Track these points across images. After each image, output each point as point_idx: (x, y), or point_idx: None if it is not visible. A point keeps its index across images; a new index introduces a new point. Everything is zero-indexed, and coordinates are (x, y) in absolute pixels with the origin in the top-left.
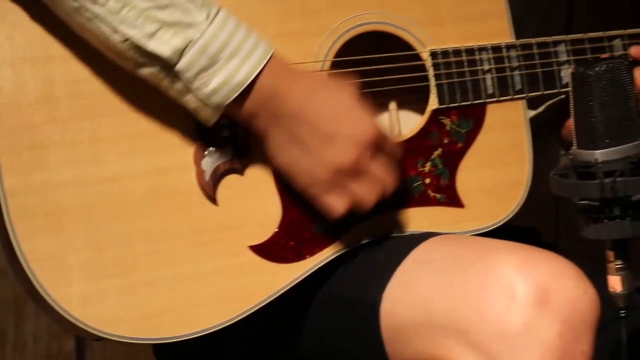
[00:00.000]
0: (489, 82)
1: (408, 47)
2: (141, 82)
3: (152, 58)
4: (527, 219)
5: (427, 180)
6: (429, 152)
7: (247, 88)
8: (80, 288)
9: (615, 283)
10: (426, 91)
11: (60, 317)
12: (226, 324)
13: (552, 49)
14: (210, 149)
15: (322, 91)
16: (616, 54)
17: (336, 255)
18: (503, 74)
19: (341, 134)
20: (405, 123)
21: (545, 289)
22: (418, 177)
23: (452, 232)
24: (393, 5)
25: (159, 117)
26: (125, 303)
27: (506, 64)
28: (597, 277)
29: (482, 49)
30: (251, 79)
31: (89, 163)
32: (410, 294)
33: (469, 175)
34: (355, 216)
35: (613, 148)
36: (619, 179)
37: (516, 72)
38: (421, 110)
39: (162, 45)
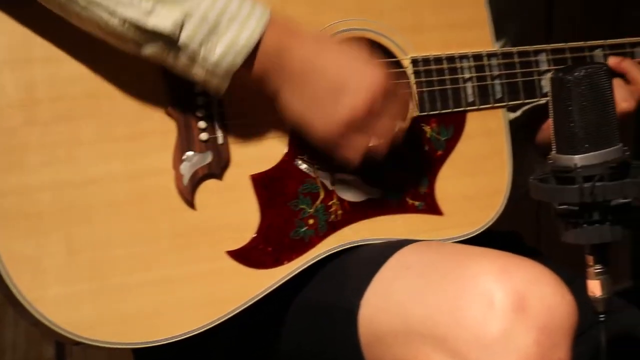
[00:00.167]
0: (469, 90)
1: (389, 54)
2: (121, 86)
3: (154, 35)
4: (508, 223)
5: (406, 188)
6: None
7: (253, 50)
8: (57, 291)
9: (594, 287)
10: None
11: (37, 321)
12: (204, 329)
13: (533, 58)
14: (189, 153)
15: (328, 45)
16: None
17: (314, 261)
18: (484, 83)
19: (351, 83)
20: None
21: (522, 296)
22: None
23: (431, 239)
24: (375, 12)
25: (138, 121)
26: (102, 307)
27: (487, 73)
28: (577, 282)
29: (463, 57)
30: (255, 39)
31: (68, 166)
32: (388, 301)
33: (448, 183)
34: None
35: (592, 153)
36: (598, 183)
37: (497, 81)
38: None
39: (162, 21)
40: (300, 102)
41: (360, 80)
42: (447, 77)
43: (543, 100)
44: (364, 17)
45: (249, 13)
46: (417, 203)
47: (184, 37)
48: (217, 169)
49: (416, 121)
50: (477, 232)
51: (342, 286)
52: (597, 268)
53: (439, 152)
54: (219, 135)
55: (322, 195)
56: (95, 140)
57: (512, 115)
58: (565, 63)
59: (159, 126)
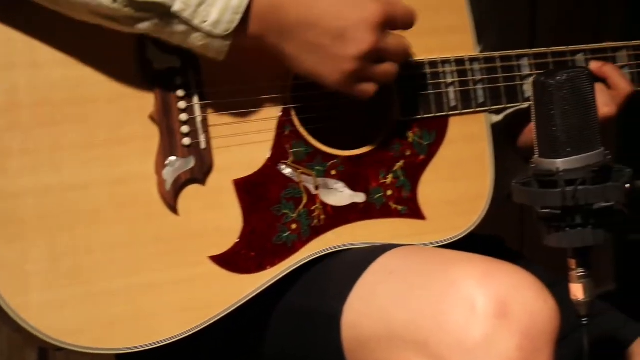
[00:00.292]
0: (451, 95)
1: None
2: (103, 91)
3: (148, 8)
4: (492, 227)
5: (389, 192)
6: (391, 164)
7: (248, 8)
8: (38, 297)
9: (577, 291)
10: (389, 103)
11: (19, 327)
12: (187, 334)
13: (515, 63)
14: (171, 158)
15: None
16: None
17: (297, 266)
18: (466, 87)
19: (351, 24)
20: (368, 135)
21: (505, 302)
22: (380, 188)
23: (414, 244)
24: None
25: (120, 126)
26: (84, 312)
27: (469, 77)
28: (560, 285)
29: (445, 62)
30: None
31: (49, 171)
32: (371, 306)
33: (431, 187)
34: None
35: (574, 157)
36: (580, 187)
37: (479, 86)
38: (384, 122)
39: None
40: (305, 53)
41: (358, 18)
42: (429, 82)
43: (525, 105)
44: None
45: None
46: (400, 208)
47: (177, 5)
48: (200, 174)
49: (399, 126)
50: (460, 237)
51: (325, 291)
52: (580, 271)
53: (422, 157)
54: (202, 140)
55: (305, 200)
56: (77, 146)
57: (495, 120)
58: (548, 67)
59: (141, 131)
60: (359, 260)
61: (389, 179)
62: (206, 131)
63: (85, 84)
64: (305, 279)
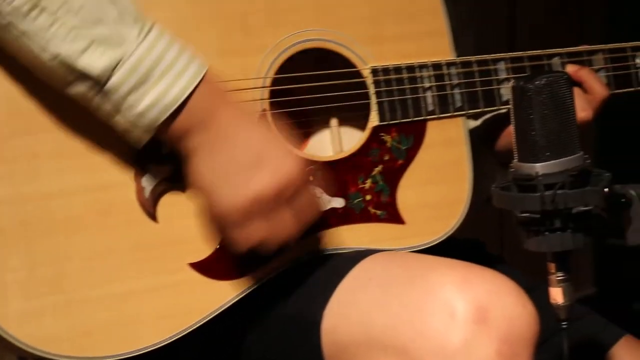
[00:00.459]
0: (429, 100)
1: (349, 64)
2: None
3: (82, 76)
4: (472, 231)
5: (368, 197)
6: (369, 169)
7: (177, 109)
8: (17, 306)
9: (556, 295)
10: (367, 108)
11: None
12: (167, 342)
13: (492, 67)
14: (150, 165)
15: (254, 121)
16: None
17: (278, 272)
18: (443, 92)
19: (270, 162)
20: (346, 140)
21: (484, 307)
22: (358, 193)
23: (393, 248)
24: (334, 22)
25: (99, 134)
26: (64, 321)
27: (446, 82)
28: (539, 289)
29: (422, 67)
30: (181, 100)
31: (27, 180)
32: (350, 312)
33: (410, 192)
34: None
35: (553, 161)
36: (559, 191)
37: (456, 90)
38: (362, 127)
39: (92, 63)
40: (214, 167)
41: (279, 162)
42: (407, 86)
43: (503, 109)
44: (324, 27)
45: (184, 68)
46: (379, 212)
47: (112, 83)
48: (179, 181)
49: (377, 130)
50: (439, 240)
51: (305, 297)
52: (559, 275)
53: (400, 161)
54: None
55: None
56: (54, 154)
57: (473, 124)
58: (524, 71)
59: (119, 138)
60: (339, 266)
61: (368, 183)
62: None
63: (62, 92)
64: (285, 286)
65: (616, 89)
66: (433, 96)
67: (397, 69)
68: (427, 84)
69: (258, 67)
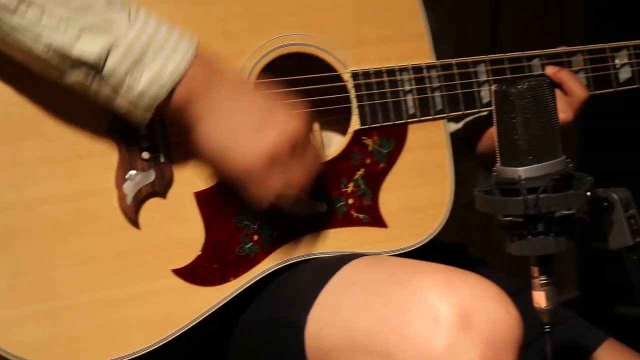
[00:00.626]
0: (410, 103)
1: (330, 68)
2: (61, 106)
3: (78, 64)
4: (457, 234)
5: (350, 201)
6: (351, 173)
7: (176, 84)
8: (1, 315)
9: (539, 298)
10: (348, 112)
11: None
12: (151, 349)
13: (472, 69)
14: (132, 172)
15: (251, 89)
16: (534, 73)
17: (261, 277)
18: (424, 95)
19: (275, 122)
20: (328, 144)
21: (467, 312)
22: (341, 197)
23: (376, 252)
24: (315, 27)
25: (80, 141)
26: (47, 329)
27: (427, 85)
28: (525, 293)
29: (403, 70)
30: (181, 73)
31: (8, 188)
32: (334, 317)
33: (392, 195)
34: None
35: (536, 165)
36: (542, 195)
37: (437, 93)
38: (344, 131)
39: (87, 49)
40: (222, 131)
41: (284, 120)
42: (387, 89)
43: (484, 111)
44: (305, 32)
45: (176, 45)
46: (361, 216)
47: (108, 67)
48: (161, 187)
49: (358, 134)
50: (422, 243)
51: (289, 301)
52: (542, 279)
53: (382, 165)
54: (162, 153)
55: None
56: (36, 162)
57: (454, 127)
58: (504, 73)
59: (100, 146)
60: (322, 271)
61: (350, 187)
62: (166, 144)
63: (44, 99)
64: (269, 290)
65: (595, 89)
66: (414, 99)
67: (378, 73)
68: (407, 87)
69: (238, 71)
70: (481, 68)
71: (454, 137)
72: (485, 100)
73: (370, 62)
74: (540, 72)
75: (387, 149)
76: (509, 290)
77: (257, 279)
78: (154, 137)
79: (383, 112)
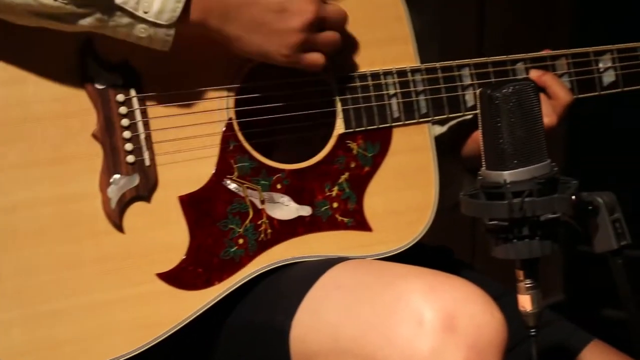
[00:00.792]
0: (394, 106)
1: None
2: (46, 109)
3: (90, 3)
4: (443, 237)
5: (335, 205)
6: (336, 177)
7: None
8: None
9: (525, 302)
10: (333, 116)
11: None
12: (135, 353)
13: (456, 73)
14: (116, 176)
15: None
16: (519, 77)
17: (245, 280)
18: (409, 99)
19: (293, 8)
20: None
21: (452, 315)
22: (325, 201)
23: (361, 255)
24: None
25: (64, 145)
26: (32, 334)
27: (411, 88)
28: (511, 296)
29: (387, 74)
30: None
31: None
32: (319, 321)
33: (377, 199)
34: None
35: (521, 169)
36: (527, 199)
37: (421, 96)
38: (328, 135)
39: None
40: (248, 33)
41: (300, 5)
42: (372, 93)
43: (469, 115)
44: None
45: None
46: (346, 220)
47: None
48: (145, 191)
49: (343, 138)
50: (407, 247)
51: (274, 306)
52: (528, 283)
53: (367, 169)
54: (146, 157)
55: (251, 215)
56: (20, 165)
57: (439, 131)
58: (488, 77)
59: (84, 149)
60: (307, 274)
61: (335, 191)
62: (150, 148)
63: (27, 103)
64: (254, 294)
65: (579, 93)
66: (398, 103)
67: (362, 77)
68: (392, 91)
69: (223, 76)
70: (465, 72)
71: (439, 140)
72: (470, 103)
73: (355, 66)
74: (524, 75)
75: (371, 153)
76: (494, 294)
77: (241, 282)
78: (139, 140)
79: (367, 115)
